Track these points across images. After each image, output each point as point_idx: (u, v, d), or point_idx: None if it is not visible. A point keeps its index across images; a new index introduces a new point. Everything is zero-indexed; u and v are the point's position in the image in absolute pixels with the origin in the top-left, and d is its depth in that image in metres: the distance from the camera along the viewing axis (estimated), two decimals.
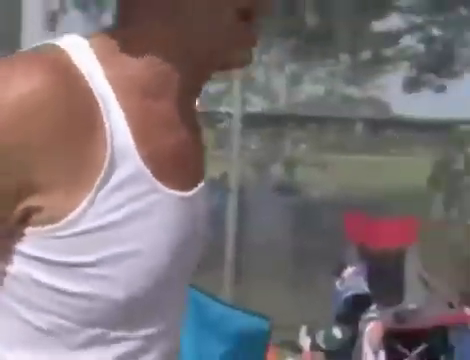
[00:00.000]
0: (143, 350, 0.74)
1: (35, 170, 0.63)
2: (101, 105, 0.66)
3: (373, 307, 3.55)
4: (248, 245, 4.27)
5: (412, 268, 4.04)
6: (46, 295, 0.68)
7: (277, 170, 7.02)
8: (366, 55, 7.56)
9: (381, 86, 8.15)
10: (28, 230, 0.65)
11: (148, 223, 0.69)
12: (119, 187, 0.66)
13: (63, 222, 0.64)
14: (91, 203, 0.65)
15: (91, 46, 0.69)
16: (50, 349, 0.70)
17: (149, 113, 0.71)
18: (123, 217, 0.67)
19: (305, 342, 3.94)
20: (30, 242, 0.66)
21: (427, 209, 5.47)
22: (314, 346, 4.04)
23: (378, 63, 7.77)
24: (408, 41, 8.66)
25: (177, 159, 0.73)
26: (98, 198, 0.65)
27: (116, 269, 0.68)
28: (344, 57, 6.37)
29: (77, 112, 0.64)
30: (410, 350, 3.71)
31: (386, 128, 8.06)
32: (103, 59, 0.69)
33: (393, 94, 8.10)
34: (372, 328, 3.48)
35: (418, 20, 8.40)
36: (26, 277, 0.67)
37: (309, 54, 7.36)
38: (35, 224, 0.65)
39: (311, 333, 4.03)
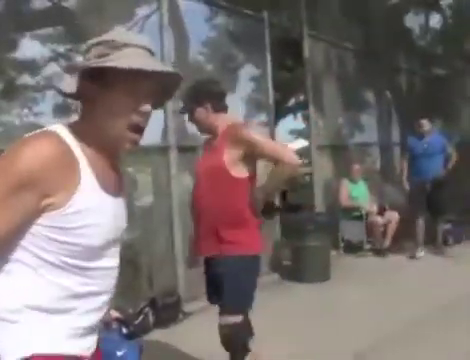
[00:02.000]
0: (97, 277, 1.49)
1: (49, 188, 1.36)
2: (78, 159, 1.42)
3: None
4: None
5: None
6: (55, 245, 1.40)
7: None
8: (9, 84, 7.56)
9: (37, 114, 8.29)
10: (44, 214, 1.38)
11: (101, 209, 1.46)
12: (86, 192, 1.42)
13: (64, 208, 1.38)
14: (74, 200, 1.39)
15: (69, 132, 1.45)
16: (54, 273, 1.41)
17: (98, 162, 1.47)
18: (88, 205, 1.42)
19: None
20: (46, 219, 1.38)
21: None
22: None
23: (23, 91, 7.87)
24: (55, 68, 8.96)
25: (110, 181, 1.52)
26: (76, 197, 1.39)
27: (89, 230, 1.43)
28: None
29: (66, 162, 1.39)
30: None
31: None
32: (75, 138, 1.44)
33: (48, 121, 8.27)
34: None
35: (61, 49, 8.77)
36: (43, 236, 1.39)
37: None
38: (49, 210, 1.38)
39: None
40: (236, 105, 7.56)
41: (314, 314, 5.27)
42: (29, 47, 8.25)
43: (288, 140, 22.27)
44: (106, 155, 1.51)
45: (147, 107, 1.46)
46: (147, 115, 1.48)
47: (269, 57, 7.27)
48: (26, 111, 8.69)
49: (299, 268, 6.70)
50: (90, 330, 1.52)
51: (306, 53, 8.22)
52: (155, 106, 1.54)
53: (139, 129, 1.48)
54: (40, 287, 1.41)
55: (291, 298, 5.96)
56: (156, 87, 1.48)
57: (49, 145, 1.37)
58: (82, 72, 1.41)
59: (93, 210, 1.43)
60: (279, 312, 5.33)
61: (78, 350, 1.48)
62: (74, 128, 1.47)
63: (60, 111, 8.11)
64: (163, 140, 5.61)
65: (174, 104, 5.37)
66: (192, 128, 6.72)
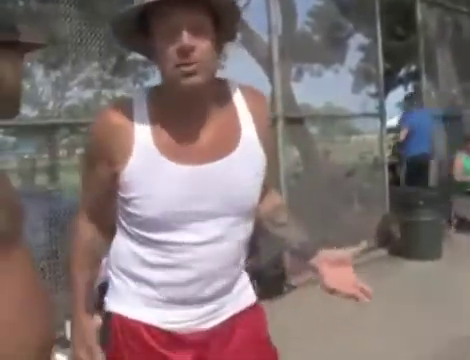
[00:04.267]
0: (172, 251, 1.40)
1: (111, 157, 1.38)
2: (135, 129, 1.36)
3: None
4: None
5: None
6: (126, 215, 1.43)
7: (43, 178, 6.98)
8: (120, 59, 7.78)
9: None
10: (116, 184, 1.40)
11: (157, 179, 1.34)
12: (138, 163, 1.35)
13: (122, 177, 1.37)
14: (127, 171, 1.35)
15: (148, 96, 1.41)
16: (130, 241, 1.46)
17: (170, 128, 1.37)
18: (139, 176, 1.35)
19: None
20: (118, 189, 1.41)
21: None
22: None
23: (134, 66, 8.09)
24: None
25: (188, 149, 1.37)
26: (128, 168, 1.35)
27: (142, 202, 1.36)
28: (96, 63, 6.49)
29: (121, 132, 1.36)
30: None
31: None
32: (150, 103, 1.40)
33: None
34: None
35: None
36: (120, 206, 1.45)
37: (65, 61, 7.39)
38: (117, 180, 1.38)
39: None
40: (344, 76, 7.35)
41: (423, 293, 5.08)
42: None
43: (397, 112, 21.49)
44: (185, 116, 1.39)
45: (183, 41, 1.28)
46: (187, 48, 1.28)
47: (379, 25, 7.00)
48: (138, 86, 8.92)
49: (408, 244, 6.46)
50: (175, 305, 1.46)
51: (419, 19, 7.83)
52: (221, 40, 1.39)
53: (186, 64, 1.30)
54: (124, 253, 1.48)
55: (399, 276, 5.78)
56: (190, 19, 1.29)
57: (104, 117, 1.41)
58: (125, 30, 1.36)
59: (145, 181, 1.35)
60: (386, 290, 5.18)
61: (157, 322, 1.47)
62: (154, 91, 1.44)
63: None
64: (270, 111, 5.53)
65: (282, 74, 5.31)
66: (300, 98, 6.69)
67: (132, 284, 1.48)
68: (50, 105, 9.09)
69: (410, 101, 8.15)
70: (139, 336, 1.47)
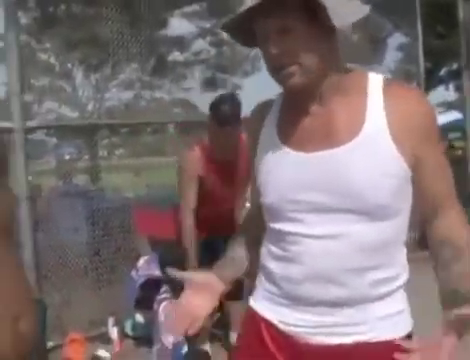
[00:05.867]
0: (291, 242, 1.37)
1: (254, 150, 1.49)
2: (265, 120, 1.46)
3: (164, 288, 3.81)
4: (48, 248, 4.45)
5: None
6: None
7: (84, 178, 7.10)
8: (160, 60, 7.86)
9: (186, 89, 8.53)
10: None
11: (272, 165, 1.40)
12: (263, 150, 1.44)
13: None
14: (256, 158, 1.46)
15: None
16: (267, 232, 1.48)
17: (292, 116, 1.39)
18: (263, 163, 1.43)
19: (113, 332, 4.14)
20: None
21: None
22: (123, 335, 4.30)
23: (173, 67, 8.16)
24: (201, 45, 9.21)
25: (307, 135, 1.36)
26: (257, 155, 1.46)
27: (263, 188, 1.42)
28: (136, 64, 6.58)
29: (255, 124, 1.49)
30: None
31: (197, 129, 8.42)
32: (281, 97, 1.48)
33: (196, 96, 8.50)
34: (165, 306, 3.76)
35: (207, 25, 8.97)
36: None
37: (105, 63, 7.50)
38: None
39: (119, 323, 4.28)
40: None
41: None
42: (177, 24, 8.50)
43: (439, 112, 21.13)
44: (302, 106, 1.37)
45: (269, 48, 1.29)
46: (275, 57, 1.29)
47: (420, 23, 6.91)
48: (175, 87, 8.96)
49: None
50: (292, 304, 1.41)
51: (460, 17, 7.68)
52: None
53: (280, 68, 1.30)
54: (263, 247, 1.52)
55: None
56: (275, 24, 1.28)
57: (251, 111, 1.58)
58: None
59: (264, 167, 1.43)
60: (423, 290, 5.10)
61: (276, 320, 1.44)
62: None
63: (208, 86, 8.28)
64: None
65: None
66: None
67: (263, 278, 1.49)
68: (90, 106, 9.27)
69: None
70: (259, 332, 1.47)
